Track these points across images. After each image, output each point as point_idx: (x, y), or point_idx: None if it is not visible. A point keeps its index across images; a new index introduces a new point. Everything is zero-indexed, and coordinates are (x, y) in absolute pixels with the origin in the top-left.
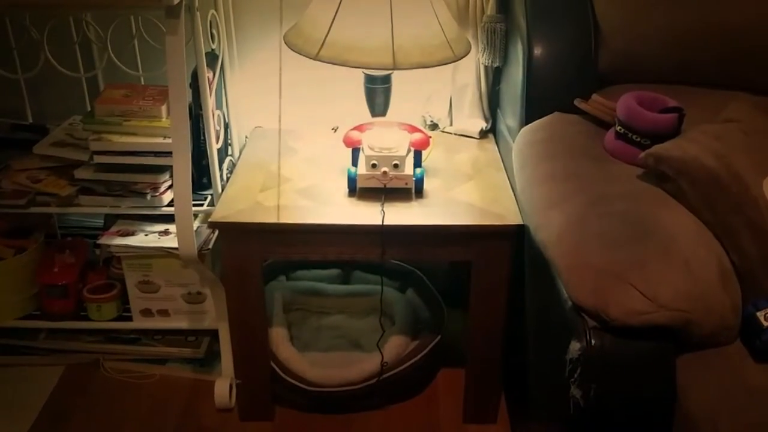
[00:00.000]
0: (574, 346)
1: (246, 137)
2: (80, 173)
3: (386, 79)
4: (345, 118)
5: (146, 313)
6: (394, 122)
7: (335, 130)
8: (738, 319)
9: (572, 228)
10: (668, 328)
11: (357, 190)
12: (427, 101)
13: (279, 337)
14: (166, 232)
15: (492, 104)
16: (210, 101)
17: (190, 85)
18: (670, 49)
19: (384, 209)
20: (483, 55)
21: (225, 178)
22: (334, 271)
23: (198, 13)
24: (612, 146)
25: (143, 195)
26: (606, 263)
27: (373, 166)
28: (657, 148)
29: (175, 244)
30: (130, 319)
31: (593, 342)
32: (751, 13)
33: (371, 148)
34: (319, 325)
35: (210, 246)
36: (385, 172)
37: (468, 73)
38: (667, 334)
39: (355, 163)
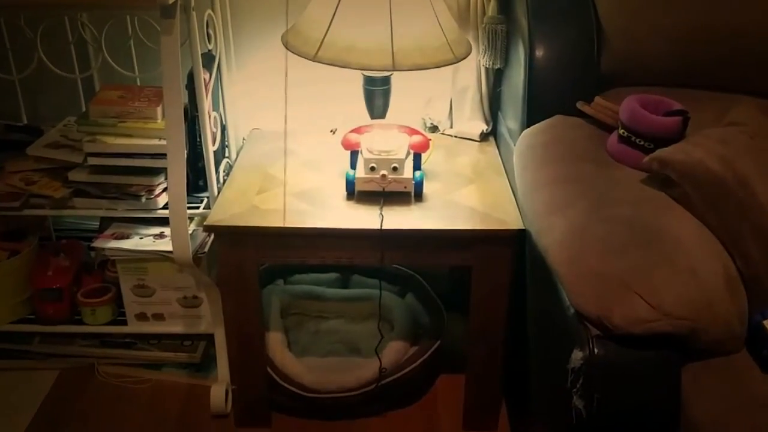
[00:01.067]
0: (577, 355)
1: (243, 139)
2: (74, 175)
3: (385, 81)
4: (343, 121)
5: (141, 317)
6: (394, 124)
7: (334, 133)
8: (744, 328)
9: (574, 233)
10: (673, 337)
11: (355, 193)
12: (427, 103)
13: (276, 342)
14: (161, 236)
15: (493, 106)
16: (206, 103)
17: (187, 86)
18: (674, 51)
19: (383, 213)
20: (484, 56)
21: (221, 180)
22: (332, 275)
23: (194, 13)
24: (615, 150)
25: (138, 197)
26: (609, 270)
27: (372, 169)
28: (661, 152)
29: (170, 248)
30: (125, 323)
31: (596, 351)
32: (756, 14)
33: (370, 151)
34: (317, 329)
35: (206, 249)
36: (384, 175)
37: (468, 75)
38: (671, 342)
39: (353, 165)
